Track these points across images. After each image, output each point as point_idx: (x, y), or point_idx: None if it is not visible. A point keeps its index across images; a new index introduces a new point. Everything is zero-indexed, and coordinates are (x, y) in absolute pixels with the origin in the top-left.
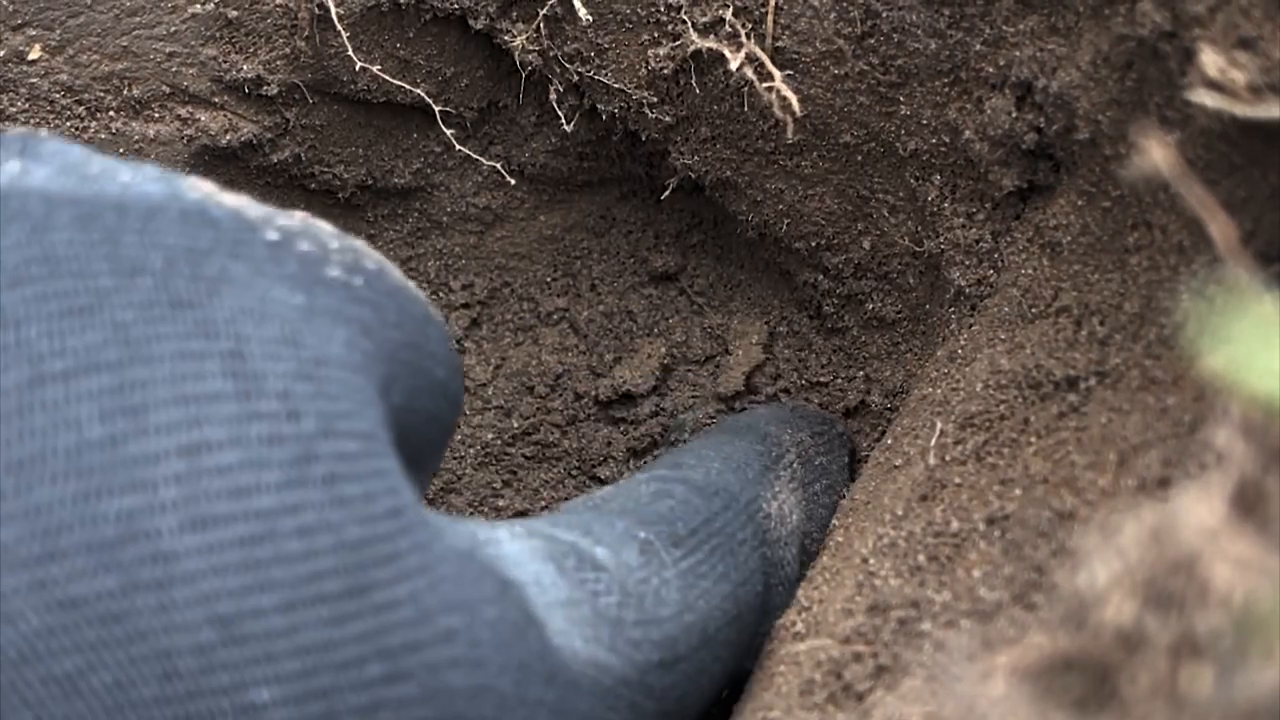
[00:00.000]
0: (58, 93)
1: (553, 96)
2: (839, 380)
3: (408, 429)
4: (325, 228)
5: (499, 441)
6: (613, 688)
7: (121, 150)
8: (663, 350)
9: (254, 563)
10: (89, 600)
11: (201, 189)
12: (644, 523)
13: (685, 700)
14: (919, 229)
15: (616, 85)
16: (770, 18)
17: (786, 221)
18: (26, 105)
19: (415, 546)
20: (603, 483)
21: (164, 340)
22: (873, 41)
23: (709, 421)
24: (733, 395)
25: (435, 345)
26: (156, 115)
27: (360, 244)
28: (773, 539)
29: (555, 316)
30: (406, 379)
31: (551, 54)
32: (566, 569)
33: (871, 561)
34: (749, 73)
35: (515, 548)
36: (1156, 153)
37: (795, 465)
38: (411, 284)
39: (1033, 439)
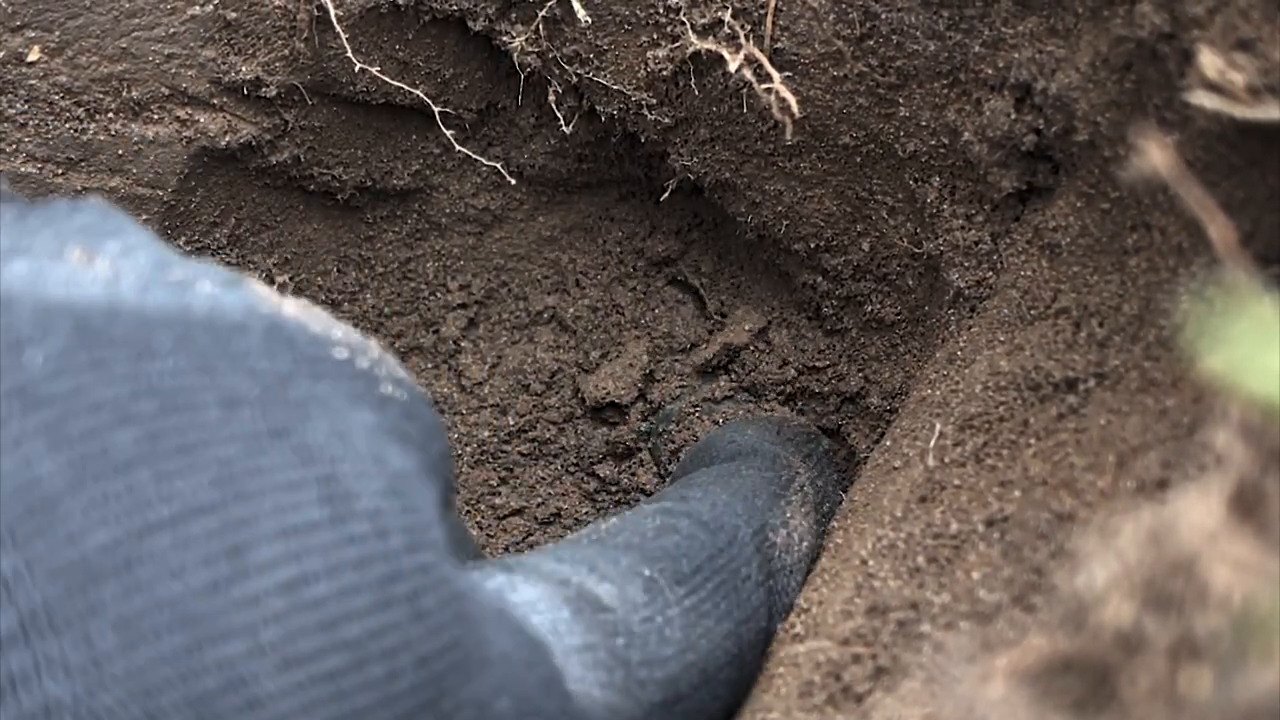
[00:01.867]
0: (57, 94)
1: (552, 98)
2: (836, 368)
3: None
4: (360, 335)
5: (495, 439)
6: None
7: (121, 152)
8: (645, 358)
9: (341, 694)
10: None
11: (268, 299)
12: (648, 559)
13: None
14: (918, 230)
15: (615, 87)
16: (769, 19)
17: (785, 223)
18: (25, 107)
19: (477, 643)
20: (600, 480)
21: (265, 473)
22: (872, 43)
23: (692, 411)
24: (706, 365)
25: (447, 447)
26: (156, 117)
27: (379, 348)
28: (778, 568)
29: (546, 314)
30: (446, 489)
31: (550, 55)
32: (582, 612)
33: (871, 563)
34: (748, 74)
35: (532, 593)
36: (1155, 154)
37: (807, 488)
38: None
39: (1032, 441)
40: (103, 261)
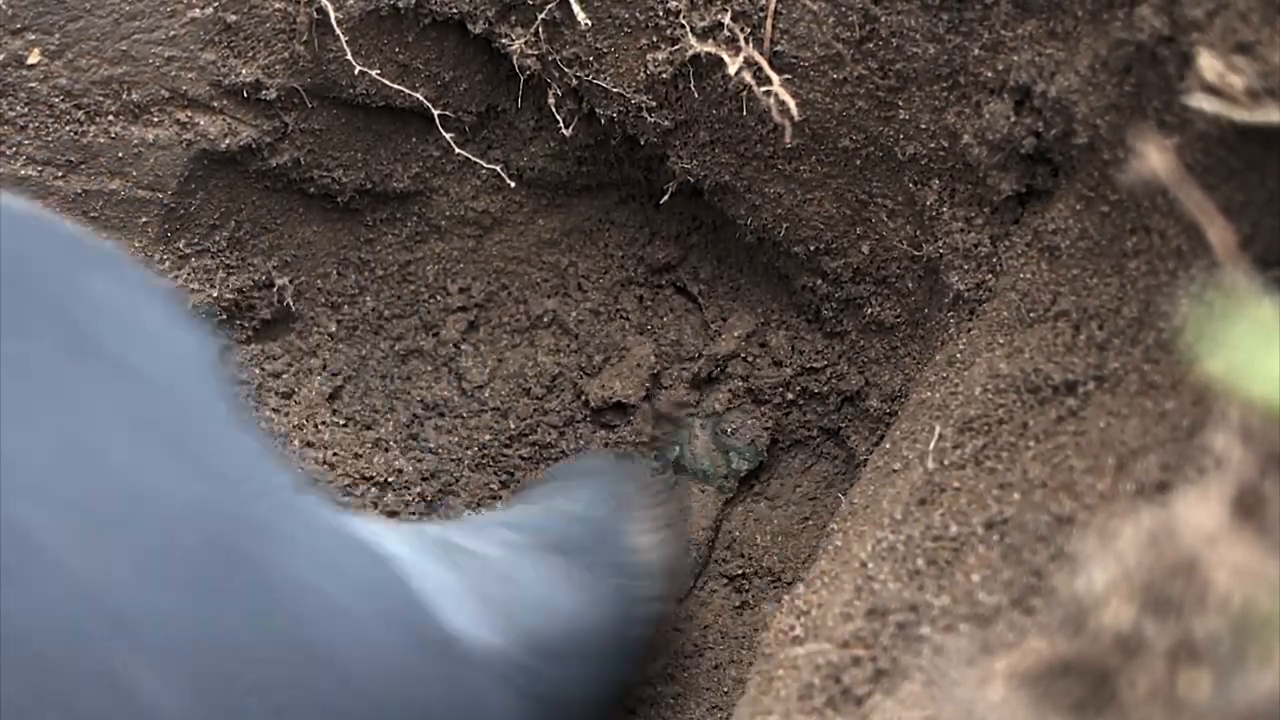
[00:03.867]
0: (57, 97)
1: (551, 101)
2: (835, 367)
3: None
4: None
5: (496, 443)
6: (502, 670)
7: (121, 154)
8: (652, 359)
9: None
10: None
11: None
12: (510, 526)
13: (570, 697)
14: (917, 233)
15: (615, 89)
16: (769, 22)
17: (785, 226)
18: (26, 109)
19: (298, 522)
20: None
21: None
22: (871, 46)
23: (698, 422)
24: (695, 378)
25: None
26: (156, 119)
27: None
28: (631, 573)
29: (546, 318)
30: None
31: (550, 58)
32: (439, 556)
33: (870, 565)
34: (747, 77)
35: (391, 535)
36: (1155, 157)
37: (653, 510)
38: None
39: (1031, 443)
40: None
